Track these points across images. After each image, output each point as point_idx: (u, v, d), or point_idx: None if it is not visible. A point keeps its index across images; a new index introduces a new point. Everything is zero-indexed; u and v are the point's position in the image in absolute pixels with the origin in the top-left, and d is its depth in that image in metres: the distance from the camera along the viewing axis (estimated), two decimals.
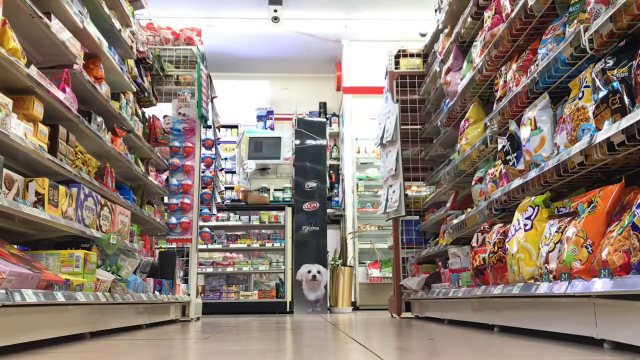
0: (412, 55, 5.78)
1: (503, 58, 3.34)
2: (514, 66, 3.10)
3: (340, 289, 7.46)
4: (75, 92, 3.22)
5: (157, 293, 4.31)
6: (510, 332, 2.96)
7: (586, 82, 2.26)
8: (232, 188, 8.63)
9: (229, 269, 7.88)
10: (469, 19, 3.87)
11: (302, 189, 7.70)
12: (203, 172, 5.93)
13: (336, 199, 9.10)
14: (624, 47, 2.08)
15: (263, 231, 7.92)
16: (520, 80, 2.97)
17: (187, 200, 5.42)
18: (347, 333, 3.35)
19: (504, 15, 3.16)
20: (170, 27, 5.82)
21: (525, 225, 2.56)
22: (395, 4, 7.90)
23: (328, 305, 7.45)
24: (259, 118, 9.50)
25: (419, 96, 5.64)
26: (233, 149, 9.26)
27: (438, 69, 4.71)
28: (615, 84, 2.00)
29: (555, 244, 2.26)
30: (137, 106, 4.70)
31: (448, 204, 4.60)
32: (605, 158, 2.10)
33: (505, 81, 3.22)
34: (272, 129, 9.41)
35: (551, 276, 2.26)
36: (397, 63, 5.80)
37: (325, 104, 9.79)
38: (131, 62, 4.47)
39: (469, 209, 3.80)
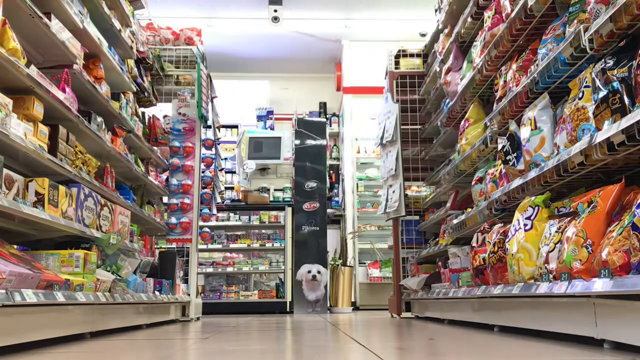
0: (412, 55, 5.78)
1: (503, 58, 3.34)
2: (514, 66, 3.10)
3: (340, 289, 7.46)
4: (75, 92, 3.22)
5: (157, 293, 4.32)
6: (510, 332, 2.96)
7: (586, 82, 2.26)
8: (232, 188, 8.63)
9: (229, 269, 7.88)
10: (469, 19, 3.87)
11: (302, 189, 7.70)
12: (203, 172, 5.93)
13: (336, 199, 9.10)
14: (624, 47, 2.08)
15: (263, 231, 7.91)
16: (520, 80, 2.97)
17: (187, 200, 5.42)
18: (347, 333, 3.35)
19: (504, 15, 3.16)
20: (170, 27, 5.82)
21: (525, 225, 2.56)
22: (395, 4, 7.90)
23: (328, 305, 7.45)
24: (259, 118, 9.50)
25: (419, 96, 5.64)
26: (233, 149, 9.26)
27: (438, 69, 4.71)
28: (615, 84, 2.00)
29: (555, 244, 2.26)
30: (137, 106, 4.70)
31: (448, 204, 4.60)
32: (605, 158, 2.10)
33: (505, 81, 3.22)
34: (272, 129, 9.41)
35: (551, 276, 2.26)
36: (397, 63, 5.80)
37: (325, 104, 9.79)
38: (131, 62, 4.47)
39: (469, 209, 3.80)
